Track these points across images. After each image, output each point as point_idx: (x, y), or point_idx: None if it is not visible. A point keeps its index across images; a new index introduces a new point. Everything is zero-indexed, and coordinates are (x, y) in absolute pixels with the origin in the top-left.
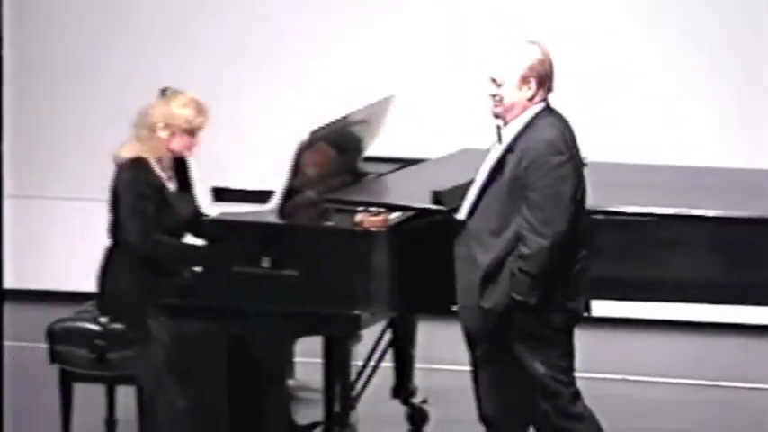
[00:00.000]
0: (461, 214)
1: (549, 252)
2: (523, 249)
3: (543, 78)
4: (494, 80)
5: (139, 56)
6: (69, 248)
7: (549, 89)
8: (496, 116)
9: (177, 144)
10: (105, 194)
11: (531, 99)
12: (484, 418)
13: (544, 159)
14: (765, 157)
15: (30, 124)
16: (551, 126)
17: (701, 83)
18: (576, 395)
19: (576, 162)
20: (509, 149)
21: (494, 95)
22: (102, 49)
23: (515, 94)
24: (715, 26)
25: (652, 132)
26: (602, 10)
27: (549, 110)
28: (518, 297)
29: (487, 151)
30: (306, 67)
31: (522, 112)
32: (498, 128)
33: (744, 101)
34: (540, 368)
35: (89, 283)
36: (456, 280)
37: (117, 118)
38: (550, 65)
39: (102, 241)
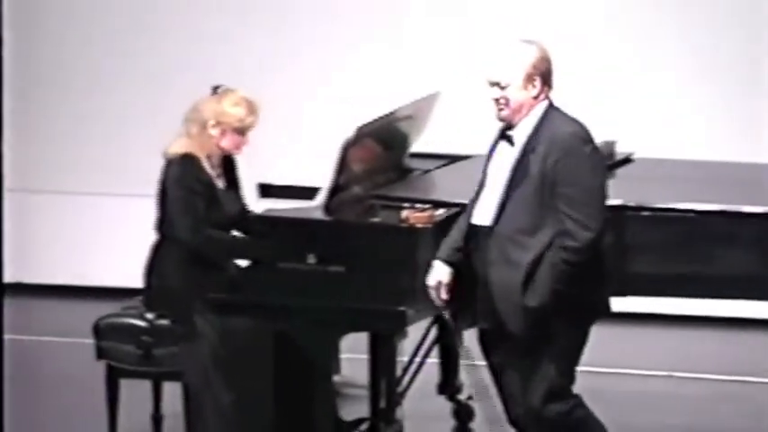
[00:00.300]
0: (484, 219)
1: (594, 244)
2: (571, 243)
3: (546, 75)
4: (497, 83)
5: (169, 54)
6: (112, 243)
7: (551, 86)
8: (502, 119)
9: (227, 143)
10: (130, 189)
11: (536, 97)
12: (514, 422)
13: (576, 152)
14: (766, 156)
15: (47, 120)
16: (569, 119)
17: (700, 80)
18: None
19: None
20: (530, 149)
21: (498, 99)
22: (127, 51)
23: (521, 94)
24: (715, 24)
25: (651, 131)
26: (601, 8)
27: (552, 106)
28: (563, 288)
29: (489, 154)
30: (352, 64)
31: (530, 111)
32: (503, 130)
33: (745, 98)
34: (552, 371)
35: (137, 280)
36: (489, 284)
37: (144, 116)
38: (550, 61)
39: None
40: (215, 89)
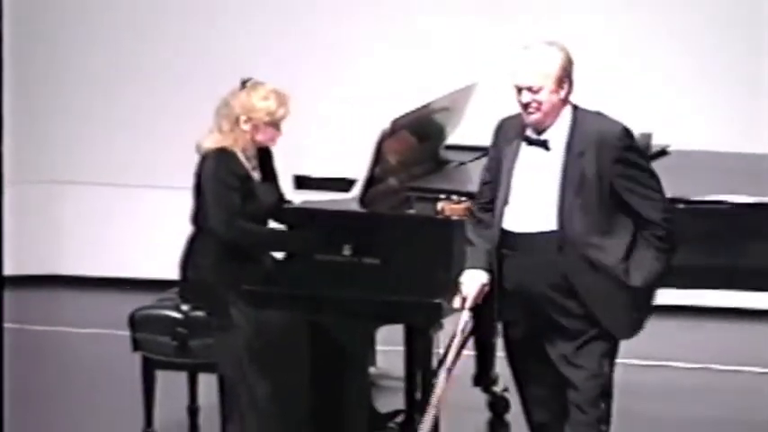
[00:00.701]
0: (529, 226)
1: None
2: (661, 232)
3: (571, 76)
4: (529, 88)
5: (194, 42)
6: (148, 235)
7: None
8: (534, 123)
9: (261, 136)
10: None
11: (564, 99)
12: (539, 426)
13: (634, 146)
14: None
15: (82, 110)
16: (602, 117)
17: (704, 75)
18: None
19: None
20: (577, 153)
21: (529, 103)
22: (152, 37)
23: (554, 97)
24: (717, 23)
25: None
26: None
27: (576, 106)
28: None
29: (506, 157)
30: (388, 55)
31: (559, 113)
32: (530, 139)
33: (750, 96)
34: (606, 367)
35: (171, 271)
36: (587, 295)
37: (180, 108)
38: (573, 62)
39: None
40: (243, 83)
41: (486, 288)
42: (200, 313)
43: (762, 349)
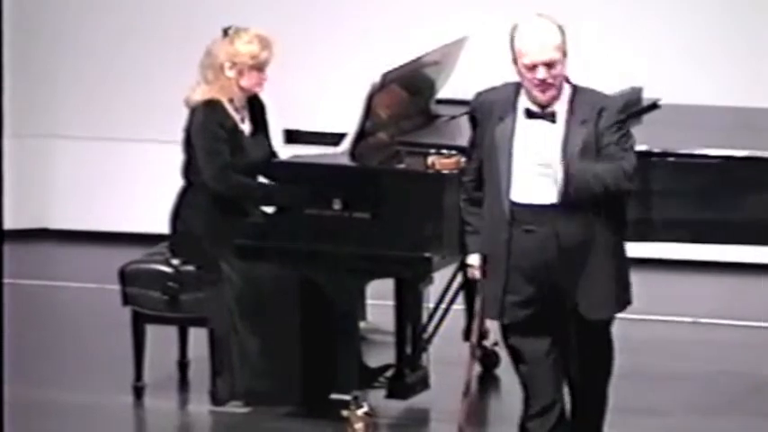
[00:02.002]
0: (540, 198)
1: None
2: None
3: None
4: (548, 64)
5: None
6: (137, 189)
7: None
8: (551, 100)
9: (246, 82)
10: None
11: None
12: (546, 409)
13: (627, 118)
14: None
15: (72, 65)
16: (595, 90)
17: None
18: None
19: None
20: (577, 121)
21: (544, 79)
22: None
23: (564, 70)
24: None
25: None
26: None
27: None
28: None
29: (509, 133)
30: (380, 7)
31: (563, 85)
32: (531, 112)
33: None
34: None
35: (160, 225)
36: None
37: (169, 62)
38: None
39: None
40: (225, 31)
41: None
42: (190, 267)
43: (751, 303)
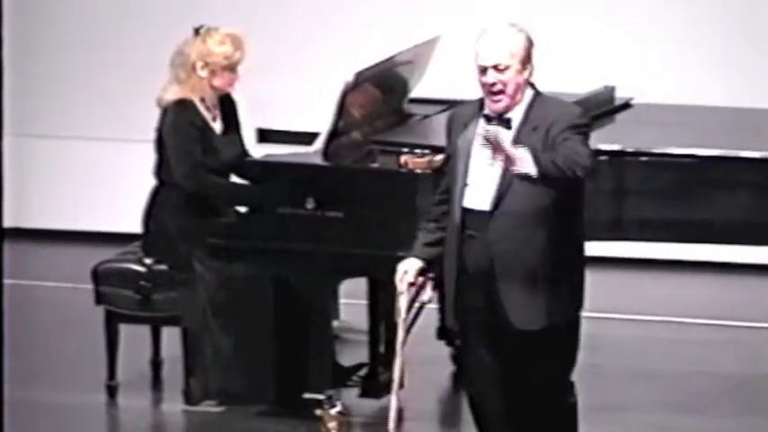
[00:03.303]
0: (481, 205)
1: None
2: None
3: (533, 59)
4: (495, 66)
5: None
6: (110, 189)
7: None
8: (500, 111)
9: (219, 81)
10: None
11: (527, 80)
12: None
13: (579, 119)
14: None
15: (45, 65)
16: (560, 100)
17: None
18: None
19: None
20: (530, 128)
21: (494, 84)
22: None
23: (519, 77)
24: None
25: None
26: None
27: (536, 87)
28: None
29: (471, 138)
30: (354, 7)
31: (522, 95)
32: (490, 117)
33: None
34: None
35: (133, 224)
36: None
37: (141, 61)
38: (533, 44)
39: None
40: (197, 30)
41: (421, 278)
42: (163, 267)
43: (726, 302)
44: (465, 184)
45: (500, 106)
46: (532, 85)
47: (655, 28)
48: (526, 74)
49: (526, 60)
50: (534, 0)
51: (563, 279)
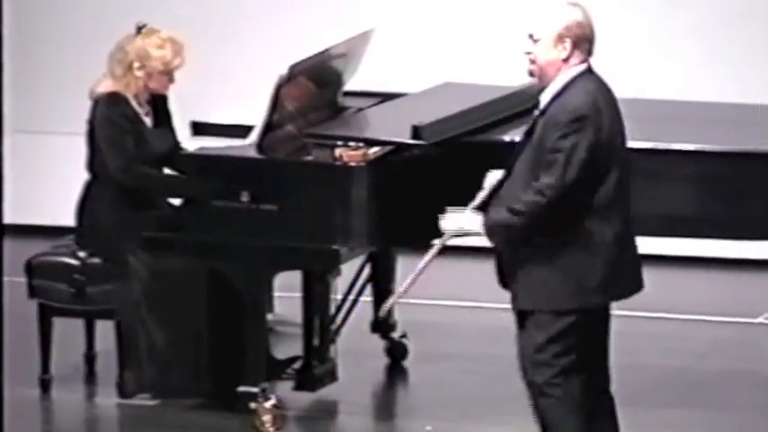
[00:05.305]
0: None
1: (545, 210)
2: (519, 205)
3: (580, 40)
4: (531, 36)
5: None
6: (43, 181)
7: (589, 52)
8: (531, 74)
9: (154, 84)
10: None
11: (566, 60)
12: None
13: (564, 123)
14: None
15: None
16: (583, 92)
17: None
18: None
19: (601, 131)
20: (542, 113)
21: (528, 52)
22: None
23: (551, 52)
24: None
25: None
26: None
27: (587, 72)
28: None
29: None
30: (288, 2)
31: (558, 72)
32: (539, 92)
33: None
34: None
35: (66, 217)
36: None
37: (74, 54)
38: (591, 29)
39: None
40: (139, 29)
41: None
42: (96, 260)
43: (690, 296)
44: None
45: (529, 68)
46: (580, 71)
47: (684, 30)
48: (564, 53)
49: (563, 38)
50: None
51: (557, 267)
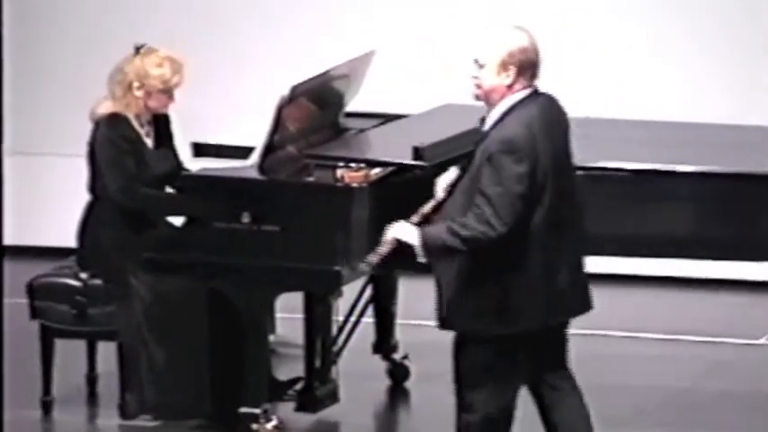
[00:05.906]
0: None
1: (486, 243)
2: (463, 231)
3: (524, 66)
4: (476, 60)
5: (124, 12)
6: (45, 203)
7: (533, 76)
8: (477, 98)
9: (154, 103)
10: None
11: (510, 86)
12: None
13: (495, 154)
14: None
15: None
16: (517, 122)
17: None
18: None
19: (536, 161)
20: (481, 139)
21: (475, 77)
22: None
23: (494, 78)
24: None
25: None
26: None
27: (530, 98)
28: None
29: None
30: (289, 22)
31: (502, 98)
32: (482, 118)
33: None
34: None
35: (68, 239)
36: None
37: (73, 77)
38: (536, 53)
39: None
40: (137, 49)
41: None
42: (98, 281)
43: (662, 316)
44: None
45: (474, 92)
46: (522, 97)
47: (683, 46)
48: (508, 80)
49: (507, 65)
50: (495, 15)
51: (474, 291)
